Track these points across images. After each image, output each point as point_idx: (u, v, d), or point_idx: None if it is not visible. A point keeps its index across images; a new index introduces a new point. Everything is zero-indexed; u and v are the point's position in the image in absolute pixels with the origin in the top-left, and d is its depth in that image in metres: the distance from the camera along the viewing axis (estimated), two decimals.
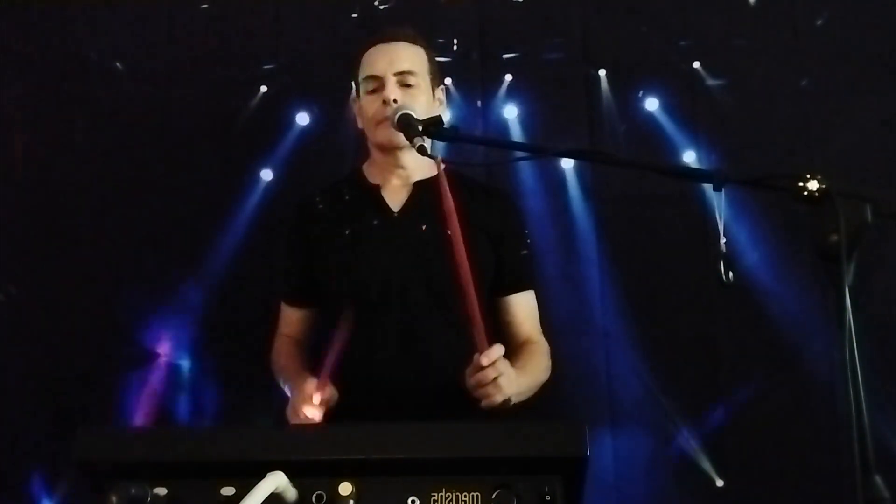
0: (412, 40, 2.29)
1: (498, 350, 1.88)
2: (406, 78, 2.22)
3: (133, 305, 3.92)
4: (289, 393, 2.15)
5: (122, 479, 1.41)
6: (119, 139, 4.06)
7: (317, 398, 1.89)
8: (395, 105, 2.14)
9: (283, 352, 2.31)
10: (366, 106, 2.25)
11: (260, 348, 2.42)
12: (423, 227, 2.23)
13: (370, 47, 2.28)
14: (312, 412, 1.90)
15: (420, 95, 2.23)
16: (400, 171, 2.29)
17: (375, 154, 2.32)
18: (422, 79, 2.26)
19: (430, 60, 2.32)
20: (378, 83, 2.22)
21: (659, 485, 3.76)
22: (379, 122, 2.17)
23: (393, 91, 2.19)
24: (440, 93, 2.35)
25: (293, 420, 1.98)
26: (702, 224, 3.65)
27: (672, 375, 3.84)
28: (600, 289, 3.95)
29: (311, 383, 1.92)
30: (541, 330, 2.32)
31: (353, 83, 2.38)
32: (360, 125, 2.34)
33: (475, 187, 2.37)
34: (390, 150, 2.23)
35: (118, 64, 4.13)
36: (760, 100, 4.01)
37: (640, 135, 4.03)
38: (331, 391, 1.95)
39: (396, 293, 2.16)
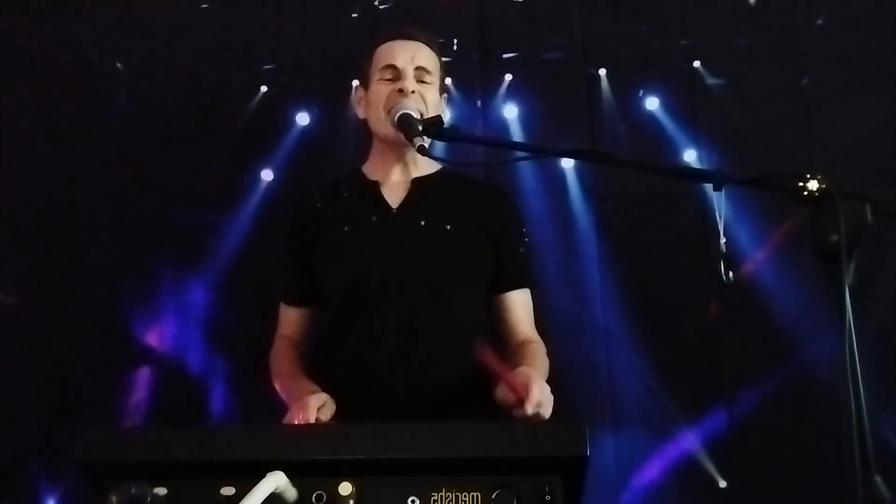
0: (430, 44, 2.32)
1: (539, 391, 1.84)
2: (423, 75, 2.25)
3: (133, 305, 3.92)
4: (286, 399, 2.14)
5: (122, 479, 1.41)
6: (119, 139, 4.06)
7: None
8: (412, 96, 2.16)
9: (282, 356, 2.30)
10: (378, 92, 2.25)
11: (260, 348, 2.42)
12: (423, 224, 2.23)
13: (388, 40, 2.30)
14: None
15: (434, 92, 2.26)
16: (401, 165, 2.29)
17: (379, 146, 2.32)
18: (435, 80, 2.28)
19: (442, 67, 2.35)
20: (396, 73, 2.24)
21: (660, 485, 3.76)
22: (390, 109, 2.17)
23: (412, 83, 2.21)
24: (443, 101, 2.37)
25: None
26: (702, 224, 3.65)
27: (673, 375, 3.84)
28: (600, 288, 3.95)
29: (311, 403, 1.92)
30: (535, 329, 2.32)
31: (356, 79, 2.39)
32: (361, 115, 2.34)
33: (473, 185, 2.38)
34: (395, 142, 2.23)
35: (118, 64, 4.14)
36: (760, 100, 4.02)
37: (641, 134, 4.03)
38: (330, 409, 1.95)
39: (395, 289, 2.16)
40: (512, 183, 3.78)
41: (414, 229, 2.22)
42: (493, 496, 1.38)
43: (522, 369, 1.94)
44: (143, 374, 3.87)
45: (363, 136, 2.41)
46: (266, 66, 4.14)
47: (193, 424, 3.82)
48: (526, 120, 4.09)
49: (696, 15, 4.10)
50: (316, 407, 1.92)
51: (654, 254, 3.95)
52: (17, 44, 4.07)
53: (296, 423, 1.90)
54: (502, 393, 1.88)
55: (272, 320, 2.40)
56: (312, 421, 1.89)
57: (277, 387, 2.23)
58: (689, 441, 3.81)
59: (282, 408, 2.10)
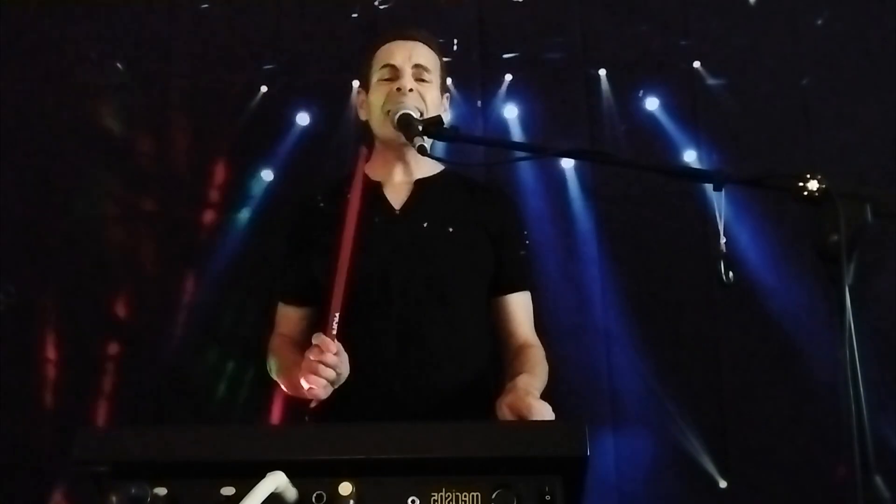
0: (429, 43, 2.32)
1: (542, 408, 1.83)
2: (421, 73, 2.25)
3: (133, 306, 3.92)
4: (286, 386, 2.14)
5: (122, 479, 1.40)
6: (119, 139, 4.06)
7: (332, 348, 1.84)
8: (409, 94, 2.16)
9: (282, 352, 2.29)
10: (377, 92, 2.25)
11: (259, 348, 2.42)
12: (425, 225, 2.22)
13: (387, 41, 2.30)
14: (322, 376, 1.85)
15: (433, 90, 2.25)
16: (403, 166, 2.29)
17: (380, 147, 2.32)
18: (435, 78, 2.28)
19: (442, 67, 2.35)
20: (394, 73, 2.24)
21: (660, 485, 3.76)
22: (389, 110, 2.16)
23: (409, 81, 2.21)
24: (445, 101, 2.36)
25: (296, 393, 1.95)
26: (702, 224, 3.65)
27: (673, 375, 3.84)
28: (601, 289, 3.95)
29: (320, 339, 1.86)
30: (535, 332, 2.31)
31: (356, 80, 2.40)
32: (363, 117, 2.34)
33: (475, 186, 2.37)
34: (396, 143, 2.22)
35: (118, 64, 4.14)
36: (760, 100, 4.02)
37: (641, 134, 4.04)
38: (343, 359, 1.90)
39: (397, 291, 2.16)
40: (512, 183, 3.78)
41: (417, 231, 2.21)
42: (493, 496, 1.38)
43: (522, 384, 1.93)
44: (143, 374, 3.87)
45: (364, 137, 2.41)
46: (266, 66, 4.14)
47: (193, 424, 3.82)
48: (526, 120, 4.09)
49: (696, 15, 4.10)
50: (333, 352, 1.86)
51: (654, 254, 3.95)
52: (16, 44, 4.07)
53: (308, 375, 1.85)
54: (502, 414, 1.88)
55: (272, 320, 2.40)
56: (329, 360, 1.84)
57: (279, 377, 2.22)
58: (689, 441, 3.81)
59: (282, 404, 2.10)
